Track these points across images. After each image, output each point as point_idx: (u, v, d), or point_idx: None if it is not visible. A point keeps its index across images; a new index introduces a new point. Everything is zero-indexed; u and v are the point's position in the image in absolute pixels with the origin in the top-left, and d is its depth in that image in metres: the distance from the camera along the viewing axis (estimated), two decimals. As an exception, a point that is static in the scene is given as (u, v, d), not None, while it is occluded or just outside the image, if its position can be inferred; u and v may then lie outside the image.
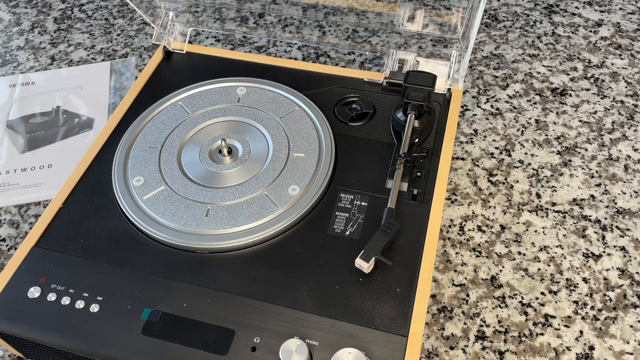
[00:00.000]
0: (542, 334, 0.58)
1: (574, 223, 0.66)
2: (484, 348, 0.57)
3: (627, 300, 0.60)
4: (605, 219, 0.67)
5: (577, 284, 0.62)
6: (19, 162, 0.76)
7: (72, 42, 0.92)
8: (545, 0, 0.94)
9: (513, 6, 0.94)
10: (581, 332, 0.58)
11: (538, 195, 0.69)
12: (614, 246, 0.64)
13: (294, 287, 0.52)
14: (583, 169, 0.72)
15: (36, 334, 0.51)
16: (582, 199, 0.69)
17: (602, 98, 0.79)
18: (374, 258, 0.52)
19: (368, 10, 0.72)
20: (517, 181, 0.71)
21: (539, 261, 0.63)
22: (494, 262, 0.63)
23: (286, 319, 0.50)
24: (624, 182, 0.70)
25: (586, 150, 0.73)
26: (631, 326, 0.58)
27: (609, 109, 0.78)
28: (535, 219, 0.67)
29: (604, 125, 0.76)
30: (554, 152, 0.73)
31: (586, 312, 0.60)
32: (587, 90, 0.80)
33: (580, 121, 0.77)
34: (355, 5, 0.73)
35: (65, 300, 0.52)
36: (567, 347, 0.57)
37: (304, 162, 0.61)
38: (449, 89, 0.66)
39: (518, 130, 0.76)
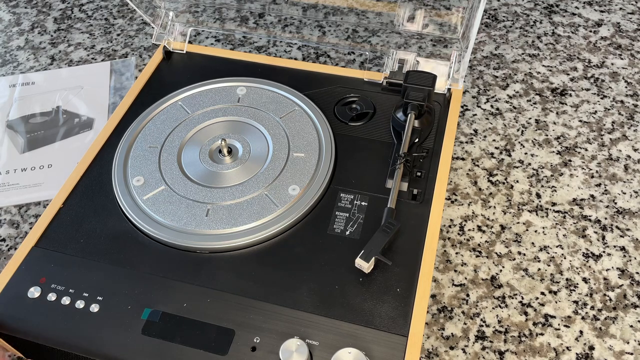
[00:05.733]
0: (542, 334, 0.58)
1: (574, 223, 0.66)
2: (484, 348, 0.57)
3: (627, 300, 0.60)
4: (605, 219, 0.67)
5: (577, 284, 0.62)
6: (19, 162, 0.76)
7: (72, 42, 0.92)
8: (545, 0, 0.94)
9: (513, 6, 0.94)
10: (581, 332, 0.58)
11: (538, 195, 0.69)
12: (614, 246, 0.64)
13: (294, 287, 0.52)
14: (583, 169, 0.71)
15: (36, 334, 0.51)
16: (582, 199, 0.69)
17: (602, 98, 0.79)
18: (374, 258, 0.51)
19: (368, 10, 0.72)
20: (517, 181, 0.71)
21: (539, 261, 0.63)
22: (494, 262, 0.63)
23: (286, 319, 0.50)
24: (624, 182, 0.70)
25: (586, 150, 0.73)
26: (631, 326, 0.58)
27: (609, 109, 0.78)
28: (535, 219, 0.67)
29: (604, 125, 0.76)
30: (554, 152, 0.73)
31: (586, 312, 0.60)
32: (587, 90, 0.80)
33: (580, 121, 0.77)
34: (355, 5, 0.73)
35: (65, 300, 0.52)
36: (567, 347, 0.57)
37: (304, 162, 0.61)
38: (449, 89, 0.66)
39: (518, 130, 0.76)
